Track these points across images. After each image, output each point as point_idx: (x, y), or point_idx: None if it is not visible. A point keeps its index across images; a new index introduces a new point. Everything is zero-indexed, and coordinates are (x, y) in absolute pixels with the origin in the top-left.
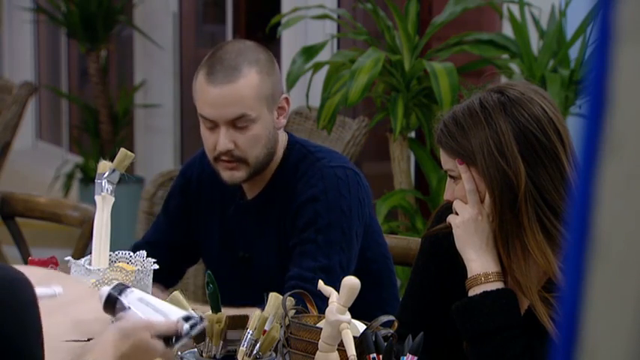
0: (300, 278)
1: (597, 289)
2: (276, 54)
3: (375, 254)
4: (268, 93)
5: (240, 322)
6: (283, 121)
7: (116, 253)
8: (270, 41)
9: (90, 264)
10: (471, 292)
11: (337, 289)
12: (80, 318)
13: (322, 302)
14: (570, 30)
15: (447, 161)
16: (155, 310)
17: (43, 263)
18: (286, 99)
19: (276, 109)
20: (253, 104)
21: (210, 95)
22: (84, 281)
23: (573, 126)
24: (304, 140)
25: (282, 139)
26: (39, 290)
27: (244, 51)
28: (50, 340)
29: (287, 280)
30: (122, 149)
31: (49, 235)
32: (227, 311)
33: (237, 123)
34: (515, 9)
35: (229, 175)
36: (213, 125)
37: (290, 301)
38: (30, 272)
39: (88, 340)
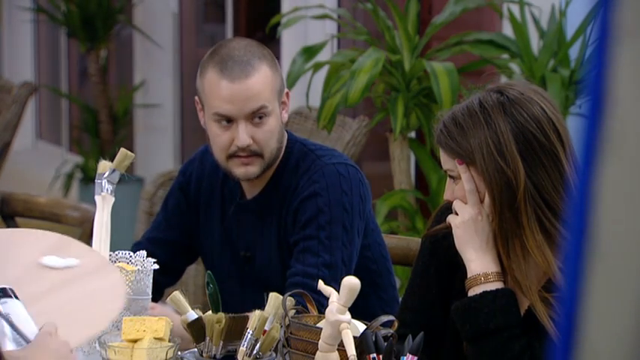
0: (303, 274)
1: (597, 289)
2: (276, 54)
3: (374, 254)
4: (278, 87)
5: (240, 325)
6: (286, 115)
7: (116, 253)
8: (270, 41)
9: None
10: (471, 292)
11: (340, 285)
12: (95, 291)
13: (325, 299)
14: (570, 30)
15: (446, 161)
16: (14, 332)
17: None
18: (287, 93)
19: (281, 103)
20: (269, 97)
21: (228, 91)
22: (98, 252)
23: (573, 126)
24: (303, 139)
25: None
26: (56, 261)
27: (250, 46)
28: (64, 314)
29: (290, 277)
30: (122, 149)
31: None
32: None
33: (256, 117)
34: (515, 9)
35: (244, 170)
36: (229, 122)
37: (290, 301)
38: (44, 237)
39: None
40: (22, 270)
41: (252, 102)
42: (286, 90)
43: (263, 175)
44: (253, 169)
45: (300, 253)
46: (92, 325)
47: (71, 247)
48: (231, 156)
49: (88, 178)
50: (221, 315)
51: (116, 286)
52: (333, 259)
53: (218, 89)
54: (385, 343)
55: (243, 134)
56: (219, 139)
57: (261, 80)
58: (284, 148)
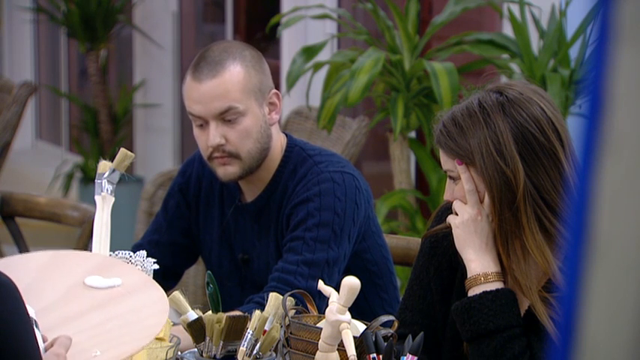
0: (281, 270)
1: (597, 289)
2: (276, 54)
3: (374, 255)
4: (255, 87)
5: (240, 325)
6: (276, 116)
7: (116, 253)
8: (270, 41)
9: None
10: (471, 292)
11: (318, 283)
12: (137, 307)
13: (301, 296)
14: (570, 30)
15: (446, 161)
16: None
17: None
18: (276, 94)
19: (267, 104)
20: (240, 97)
21: (197, 92)
22: (141, 271)
23: (573, 126)
24: (303, 142)
25: (281, 140)
26: (99, 281)
27: (229, 48)
28: (106, 331)
29: (271, 273)
30: (122, 149)
31: (48, 235)
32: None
33: (226, 117)
34: (515, 9)
35: (223, 170)
36: (203, 122)
37: (290, 301)
38: (88, 258)
39: None
40: (65, 289)
41: (218, 102)
42: (274, 91)
43: (261, 179)
44: (232, 169)
45: (285, 252)
46: (134, 340)
47: (114, 267)
48: (210, 157)
49: (88, 178)
50: (221, 315)
51: (158, 302)
52: (314, 258)
53: (190, 90)
54: (385, 343)
55: (212, 134)
56: (199, 141)
57: (228, 80)
58: (283, 151)
